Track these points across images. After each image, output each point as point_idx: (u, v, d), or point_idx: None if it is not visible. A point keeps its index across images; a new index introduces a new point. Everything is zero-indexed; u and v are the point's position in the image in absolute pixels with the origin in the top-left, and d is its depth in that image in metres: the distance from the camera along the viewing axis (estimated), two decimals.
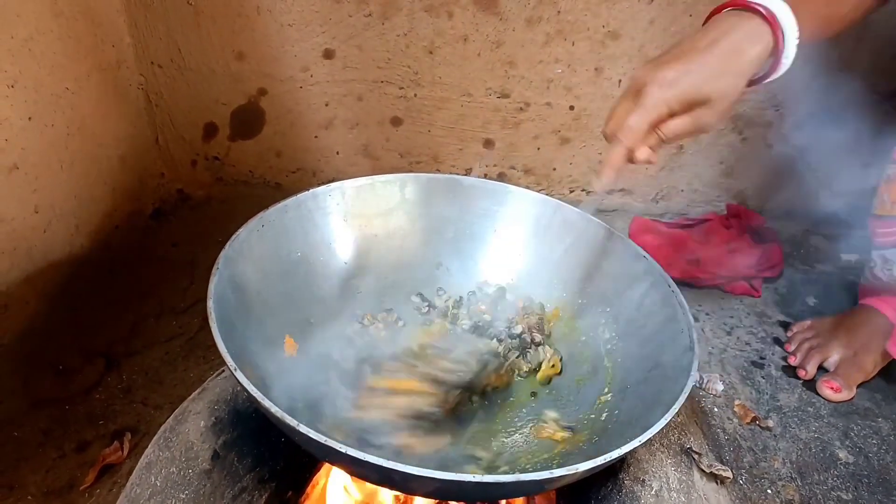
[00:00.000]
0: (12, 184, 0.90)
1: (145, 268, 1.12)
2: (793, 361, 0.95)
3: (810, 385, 0.92)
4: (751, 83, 0.64)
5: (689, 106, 0.60)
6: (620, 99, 0.62)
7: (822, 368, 0.94)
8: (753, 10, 0.60)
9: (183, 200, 1.32)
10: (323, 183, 0.77)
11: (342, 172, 1.32)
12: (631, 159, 0.62)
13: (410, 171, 0.85)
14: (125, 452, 0.79)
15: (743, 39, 0.60)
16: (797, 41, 0.61)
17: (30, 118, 0.93)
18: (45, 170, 0.97)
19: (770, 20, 0.60)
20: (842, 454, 0.82)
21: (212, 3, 1.13)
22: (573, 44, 1.13)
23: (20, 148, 0.91)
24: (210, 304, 0.57)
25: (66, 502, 0.74)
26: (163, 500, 0.57)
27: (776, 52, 0.61)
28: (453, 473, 0.46)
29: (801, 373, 0.93)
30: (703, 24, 0.64)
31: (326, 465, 0.68)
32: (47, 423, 0.83)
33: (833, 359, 0.92)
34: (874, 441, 0.84)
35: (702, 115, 0.60)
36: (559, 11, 1.11)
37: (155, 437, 0.63)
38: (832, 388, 0.89)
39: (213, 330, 0.54)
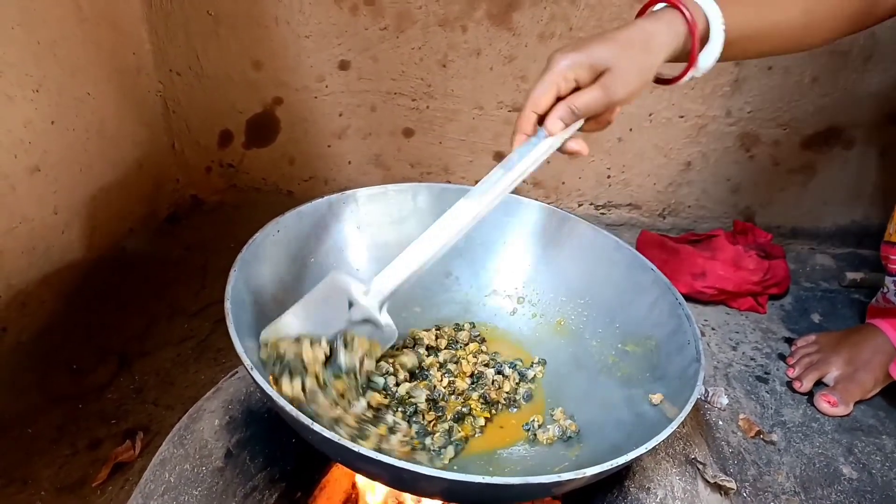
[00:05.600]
0: (34, 184, 0.93)
1: (158, 270, 1.14)
2: (790, 373, 0.96)
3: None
4: (670, 81, 0.65)
5: (593, 73, 0.59)
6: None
7: (822, 384, 0.94)
8: (671, 4, 0.61)
9: (196, 205, 1.34)
10: (335, 191, 0.78)
11: (354, 181, 1.33)
12: (549, 132, 0.61)
13: (421, 182, 0.87)
14: (137, 451, 0.80)
15: (654, 26, 0.60)
16: (723, 28, 0.61)
17: (52, 121, 0.95)
18: (65, 172, 0.99)
19: (679, 7, 0.60)
20: (846, 470, 0.83)
21: (232, 13, 1.16)
22: None
23: (42, 150, 0.93)
24: (227, 305, 0.58)
25: (79, 498, 0.75)
26: (176, 497, 0.59)
27: (692, 39, 0.61)
28: (461, 475, 0.47)
29: (797, 384, 0.94)
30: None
31: (334, 470, 0.69)
32: (61, 420, 0.85)
33: (833, 374, 0.93)
34: (878, 458, 0.85)
35: (607, 82, 0.59)
36: (571, 28, 1.13)
37: (170, 435, 0.64)
38: (829, 402, 0.90)
39: (230, 330, 0.55)
